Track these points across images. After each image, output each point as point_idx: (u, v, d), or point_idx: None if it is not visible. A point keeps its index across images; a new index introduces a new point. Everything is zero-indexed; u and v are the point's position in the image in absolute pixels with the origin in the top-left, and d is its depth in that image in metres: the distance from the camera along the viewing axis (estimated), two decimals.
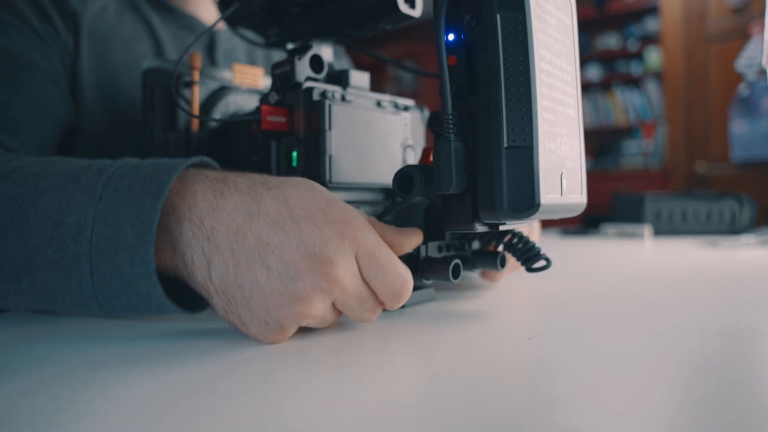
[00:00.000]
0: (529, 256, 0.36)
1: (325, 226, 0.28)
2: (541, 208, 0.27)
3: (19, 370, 0.26)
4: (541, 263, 0.36)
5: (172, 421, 0.19)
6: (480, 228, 0.30)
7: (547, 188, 0.28)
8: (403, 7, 0.38)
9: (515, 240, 0.37)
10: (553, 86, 0.29)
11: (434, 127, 0.34)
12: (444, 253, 0.36)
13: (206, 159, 0.33)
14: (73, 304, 0.30)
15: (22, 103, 0.49)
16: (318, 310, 0.29)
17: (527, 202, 0.27)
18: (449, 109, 0.29)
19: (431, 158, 0.36)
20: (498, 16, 0.28)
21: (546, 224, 1.18)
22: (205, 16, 0.67)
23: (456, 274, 0.34)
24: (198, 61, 0.47)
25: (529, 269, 0.36)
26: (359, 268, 0.30)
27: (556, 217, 0.30)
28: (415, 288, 0.40)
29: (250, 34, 0.49)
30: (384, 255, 0.30)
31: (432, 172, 0.32)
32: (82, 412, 0.20)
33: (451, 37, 0.29)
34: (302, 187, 0.30)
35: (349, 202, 0.44)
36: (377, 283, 0.30)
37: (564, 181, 0.30)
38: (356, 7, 0.40)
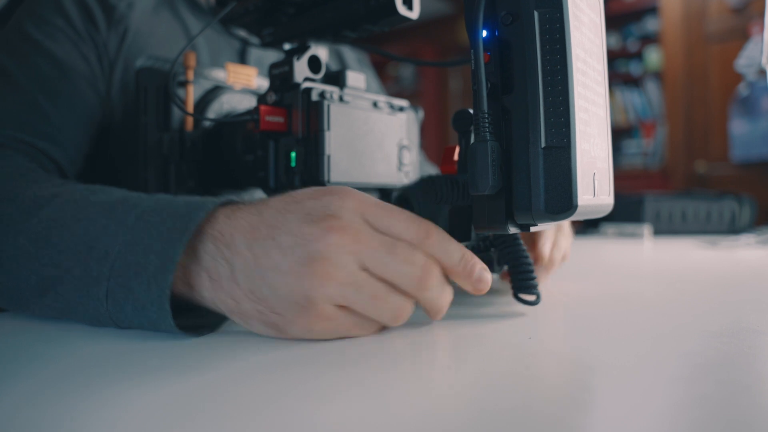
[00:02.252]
0: (526, 285, 0.34)
1: (324, 196, 0.30)
2: (577, 210, 0.27)
3: (20, 370, 0.25)
4: (531, 297, 0.34)
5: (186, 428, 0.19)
6: (513, 229, 0.29)
7: (583, 189, 0.27)
8: (401, 9, 0.38)
9: (521, 260, 0.35)
10: (586, 85, 0.29)
11: (460, 126, 0.34)
12: None
13: (233, 198, 0.34)
14: (92, 320, 0.33)
15: (64, 111, 0.50)
16: (341, 271, 0.28)
17: (565, 203, 0.27)
18: (485, 107, 0.28)
19: (455, 157, 0.36)
20: (536, 12, 0.27)
21: None
22: None
23: None
24: (192, 60, 0.47)
25: (516, 296, 0.35)
26: (370, 222, 0.30)
27: (588, 218, 0.30)
28: None
29: (244, 34, 0.49)
30: (391, 205, 0.31)
31: (451, 179, 0.32)
32: (90, 415, 0.20)
33: (483, 33, 0.28)
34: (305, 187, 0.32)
35: None
36: (392, 228, 0.30)
37: (596, 182, 0.29)
38: (354, 8, 0.40)
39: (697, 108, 2.73)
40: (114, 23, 0.55)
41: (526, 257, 0.35)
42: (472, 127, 0.33)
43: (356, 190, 0.31)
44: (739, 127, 2.53)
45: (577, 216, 0.28)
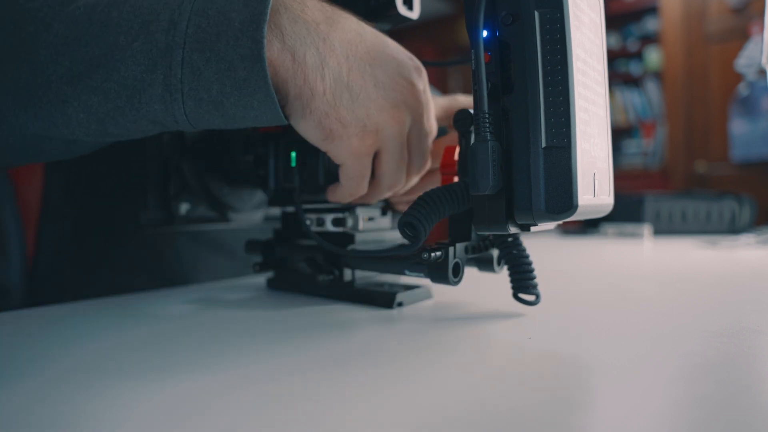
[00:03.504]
0: (526, 285, 0.35)
1: (409, 60, 0.36)
2: (577, 210, 0.27)
3: (21, 370, 0.25)
4: (531, 297, 0.35)
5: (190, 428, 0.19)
6: (513, 229, 0.29)
7: (583, 189, 0.27)
8: (402, 9, 0.38)
9: (521, 260, 0.35)
10: (586, 85, 0.29)
11: (461, 125, 0.34)
12: (470, 255, 0.36)
13: None
14: (151, 102, 0.30)
15: None
16: (404, 123, 0.35)
17: (565, 203, 0.27)
18: (486, 107, 0.28)
19: (455, 157, 0.36)
20: (536, 13, 0.27)
21: None
22: None
23: (456, 273, 0.34)
24: None
25: (516, 296, 0.35)
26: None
27: (588, 218, 0.30)
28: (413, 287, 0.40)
29: None
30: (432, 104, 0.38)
31: (449, 191, 0.32)
32: (93, 416, 0.20)
33: (484, 33, 0.28)
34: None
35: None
36: (420, 118, 0.36)
37: (596, 182, 0.29)
38: (354, 8, 0.40)
39: (697, 108, 2.73)
40: None
41: (527, 257, 0.35)
42: (472, 128, 0.33)
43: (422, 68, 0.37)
44: (739, 127, 2.53)
45: (578, 216, 0.28)
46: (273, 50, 0.30)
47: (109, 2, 0.31)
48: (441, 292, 0.43)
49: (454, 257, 0.33)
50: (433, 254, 0.32)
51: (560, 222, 0.29)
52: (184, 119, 0.31)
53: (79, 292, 0.48)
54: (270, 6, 0.29)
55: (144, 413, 0.20)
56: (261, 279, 0.54)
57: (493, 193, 0.28)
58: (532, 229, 0.30)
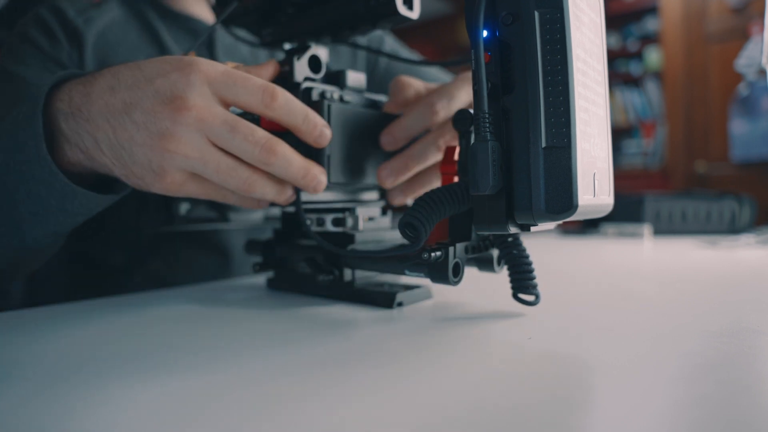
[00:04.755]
0: (525, 285, 0.35)
1: (171, 72, 0.33)
2: (577, 210, 0.27)
3: (20, 370, 0.25)
4: (530, 297, 0.35)
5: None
6: (513, 229, 0.29)
7: (583, 189, 0.27)
8: (402, 9, 0.38)
9: (521, 260, 0.35)
10: (586, 86, 0.29)
11: (461, 125, 0.34)
12: (470, 255, 0.36)
13: (74, 71, 0.38)
14: (34, 226, 0.38)
15: None
16: (187, 145, 0.33)
17: (565, 203, 0.27)
18: (486, 107, 0.28)
19: (455, 157, 0.36)
20: (536, 13, 0.27)
21: None
22: (204, 15, 0.68)
23: (456, 273, 0.34)
24: None
25: (516, 296, 0.35)
26: (218, 94, 0.33)
27: (588, 218, 0.30)
28: (413, 288, 0.40)
29: (244, 33, 0.49)
30: (238, 73, 0.33)
31: (449, 191, 0.32)
32: (90, 416, 0.20)
33: (484, 33, 0.28)
34: (156, 57, 0.35)
35: (345, 202, 0.44)
36: (239, 97, 0.33)
37: (596, 182, 0.29)
38: (354, 8, 0.40)
39: (697, 108, 2.73)
40: (72, 38, 0.59)
41: (527, 257, 0.35)
42: (472, 128, 0.33)
43: (203, 60, 0.33)
44: (739, 127, 2.53)
45: (578, 216, 0.28)
46: (67, 152, 0.35)
47: None
48: (441, 292, 0.43)
49: (454, 257, 0.33)
50: (433, 254, 0.32)
51: (560, 222, 0.29)
52: (60, 228, 0.39)
53: (79, 293, 0.48)
54: (40, 124, 0.34)
55: (144, 413, 0.20)
56: (261, 279, 0.54)
57: (493, 193, 0.28)
58: (532, 229, 0.30)
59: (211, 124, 0.33)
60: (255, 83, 0.34)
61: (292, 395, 0.22)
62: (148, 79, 0.33)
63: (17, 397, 0.22)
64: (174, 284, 0.52)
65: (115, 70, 0.34)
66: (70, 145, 0.35)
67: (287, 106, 0.35)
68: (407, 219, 0.32)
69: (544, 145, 0.27)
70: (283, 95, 0.35)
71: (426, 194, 0.33)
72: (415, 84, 0.43)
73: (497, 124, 0.28)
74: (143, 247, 0.61)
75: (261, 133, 0.34)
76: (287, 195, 0.38)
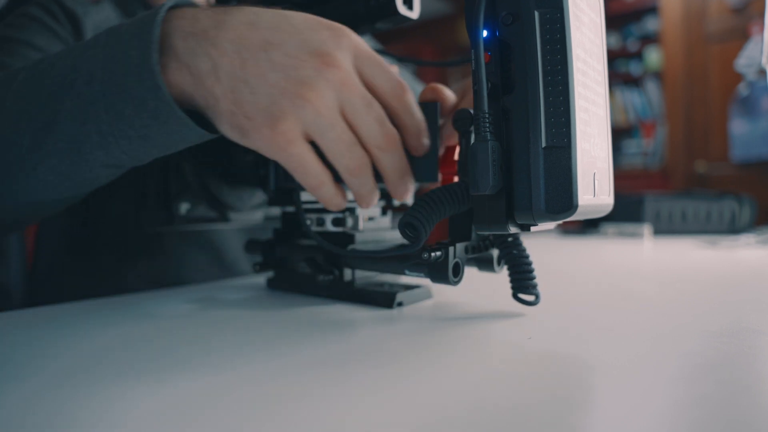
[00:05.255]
0: (525, 285, 0.35)
1: (322, 29, 0.32)
2: (577, 210, 0.27)
3: (21, 369, 0.25)
4: (530, 297, 0.35)
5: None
6: (513, 229, 0.29)
7: (583, 189, 0.27)
8: (402, 9, 0.38)
9: (521, 260, 0.35)
10: (586, 86, 0.29)
11: (461, 125, 0.34)
12: (470, 255, 0.36)
13: None
14: (93, 150, 0.34)
15: None
16: (323, 101, 0.31)
17: (565, 203, 0.27)
18: (485, 107, 0.28)
19: (455, 157, 0.36)
20: (536, 13, 0.27)
21: None
22: None
23: (456, 273, 0.34)
24: None
25: (515, 296, 0.35)
26: (359, 68, 0.32)
27: (588, 218, 0.30)
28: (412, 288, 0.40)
29: None
30: (380, 58, 0.33)
31: (448, 191, 0.32)
32: (93, 415, 0.20)
33: (484, 33, 0.28)
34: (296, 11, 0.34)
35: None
36: (376, 78, 0.33)
37: (596, 182, 0.29)
38: (354, 8, 0.40)
39: (697, 108, 2.73)
40: (72, 21, 0.59)
41: (527, 257, 0.35)
42: (472, 128, 0.33)
43: (350, 30, 0.33)
44: (739, 127, 2.53)
45: (578, 216, 0.28)
46: (171, 71, 0.32)
47: (41, 70, 0.35)
48: (441, 292, 0.43)
49: (454, 257, 0.33)
50: (433, 254, 0.32)
51: (560, 222, 0.29)
52: (125, 158, 0.35)
53: (79, 292, 0.48)
54: (157, 33, 0.31)
55: (144, 413, 0.20)
56: (261, 279, 0.54)
57: (493, 193, 0.28)
58: (532, 229, 0.30)
59: (352, 92, 0.32)
60: (394, 72, 0.34)
61: (292, 395, 0.22)
62: (296, 28, 0.32)
63: (17, 397, 0.22)
64: (174, 284, 0.52)
65: (255, 10, 0.33)
66: (179, 64, 0.32)
67: (413, 105, 0.35)
68: (407, 219, 0.32)
69: (544, 145, 0.27)
70: (413, 94, 0.35)
71: (426, 194, 0.33)
72: (450, 95, 0.41)
73: (497, 124, 0.28)
74: (143, 247, 0.61)
75: (389, 121, 0.34)
76: (376, 197, 0.36)
